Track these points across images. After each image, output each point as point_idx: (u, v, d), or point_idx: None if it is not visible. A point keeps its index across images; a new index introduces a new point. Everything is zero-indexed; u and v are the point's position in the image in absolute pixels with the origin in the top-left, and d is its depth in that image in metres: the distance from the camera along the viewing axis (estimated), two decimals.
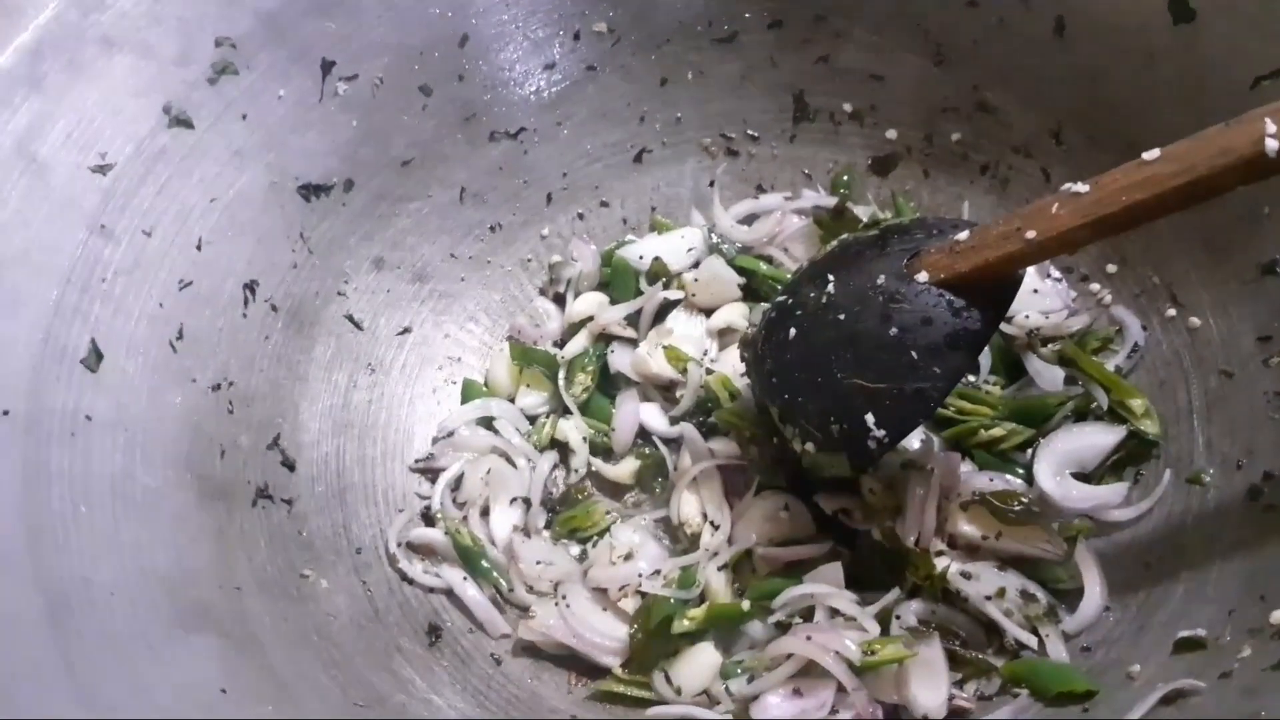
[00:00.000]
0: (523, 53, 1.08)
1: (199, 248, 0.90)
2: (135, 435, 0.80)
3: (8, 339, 0.75)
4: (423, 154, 1.05)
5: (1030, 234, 0.72)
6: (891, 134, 1.10)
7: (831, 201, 1.09)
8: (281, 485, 0.89)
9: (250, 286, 0.93)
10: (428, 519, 0.97)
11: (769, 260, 1.09)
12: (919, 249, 0.79)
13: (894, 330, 0.76)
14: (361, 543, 0.91)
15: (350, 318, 1.01)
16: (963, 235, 0.77)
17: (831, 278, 0.82)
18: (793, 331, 0.83)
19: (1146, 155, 0.66)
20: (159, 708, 0.64)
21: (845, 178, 1.12)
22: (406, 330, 1.05)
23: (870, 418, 0.78)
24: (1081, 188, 0.70)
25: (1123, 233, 0.71)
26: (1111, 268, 1.01)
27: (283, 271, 0.96)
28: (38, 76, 0.81)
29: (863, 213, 1.08)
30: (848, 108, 1.11)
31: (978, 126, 1.06)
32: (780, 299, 0.88)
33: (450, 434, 1.01)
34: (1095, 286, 1.02)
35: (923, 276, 0.76)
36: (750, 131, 1.14)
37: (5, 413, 0.72)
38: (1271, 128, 0.61)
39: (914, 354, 0.76)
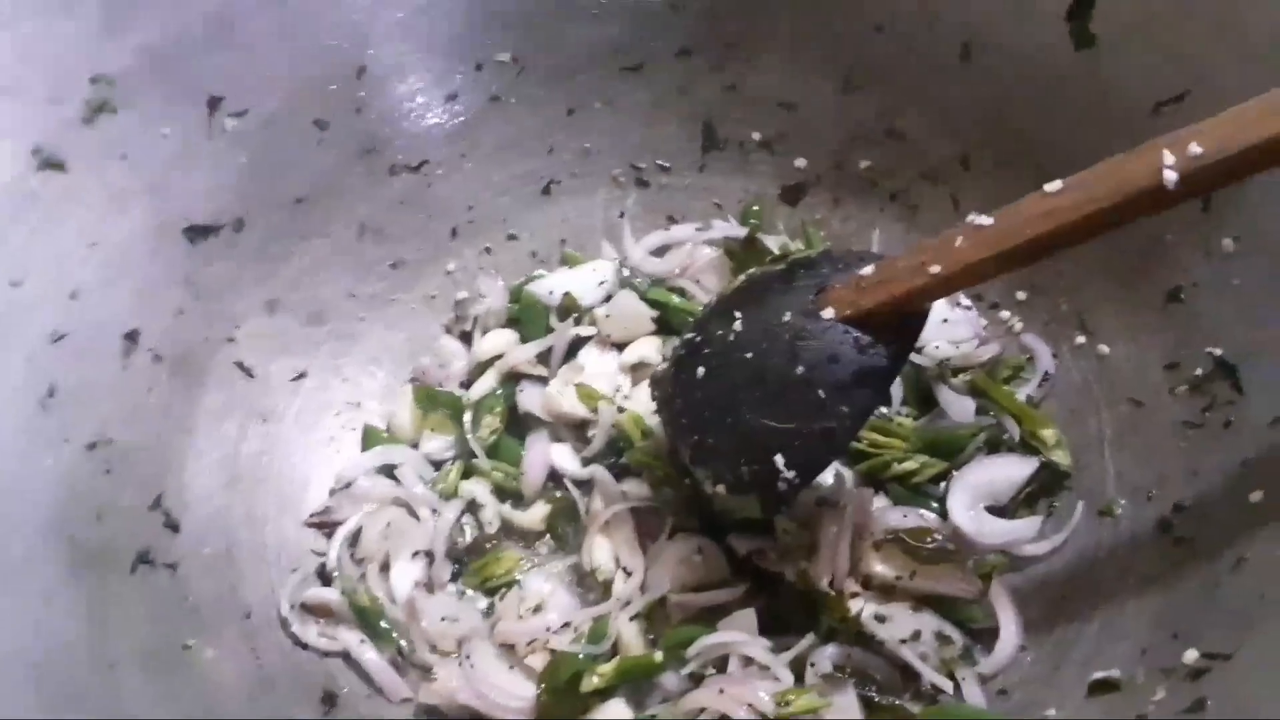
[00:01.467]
0: (424, 83, 1.05)
1: (74, 297, 0.85)
2: (1, 500, 0.75)
3: None
4: (319, 190, 1.01)
5: (935, 268, 0.70)
6: (801, 163, 1.09)
7: (742, 232, 1.07)
8: (165, 548, 0.84)
9: (131, 336, 0.88)
10: (324, 577, 0.92)
11: (681, 293, 1.07)
12: (825, 284, 0.77)
13: (801, 368, 0.74)
14: (251, 606, 0.86)
15: (241, 364, 0.96)
16: (868, 270, 0.75)
17: (739, 314, 0.81)
18: (701, 370, 0.81)
19: (1048, 187, 0.66)
20: None
21: (755, 207, 1.11)
22: (302, 375, 1.01)
23: (780, 459, 0.76)
24: (985, 220, 0.69)
25: (1028, 265, 0.69)
26: (1021, 294, 1.00)
27: (167, 319, 0.91)
28: None
29: (773, 243, 1.06)
30: (757, 136, 1.09)
31: (887, 153, 1.05)
32: (688, 336, 0.86)
33: (348, 485, 0.97)
34: (1005, 314, 1.01)
35: (829, 313, 0.75)
36: (660, 161, 1.12)
37: None
38: (1169, 159, 0.60)
39: (821, 392, 0.74)
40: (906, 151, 1.04)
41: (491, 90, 1.07)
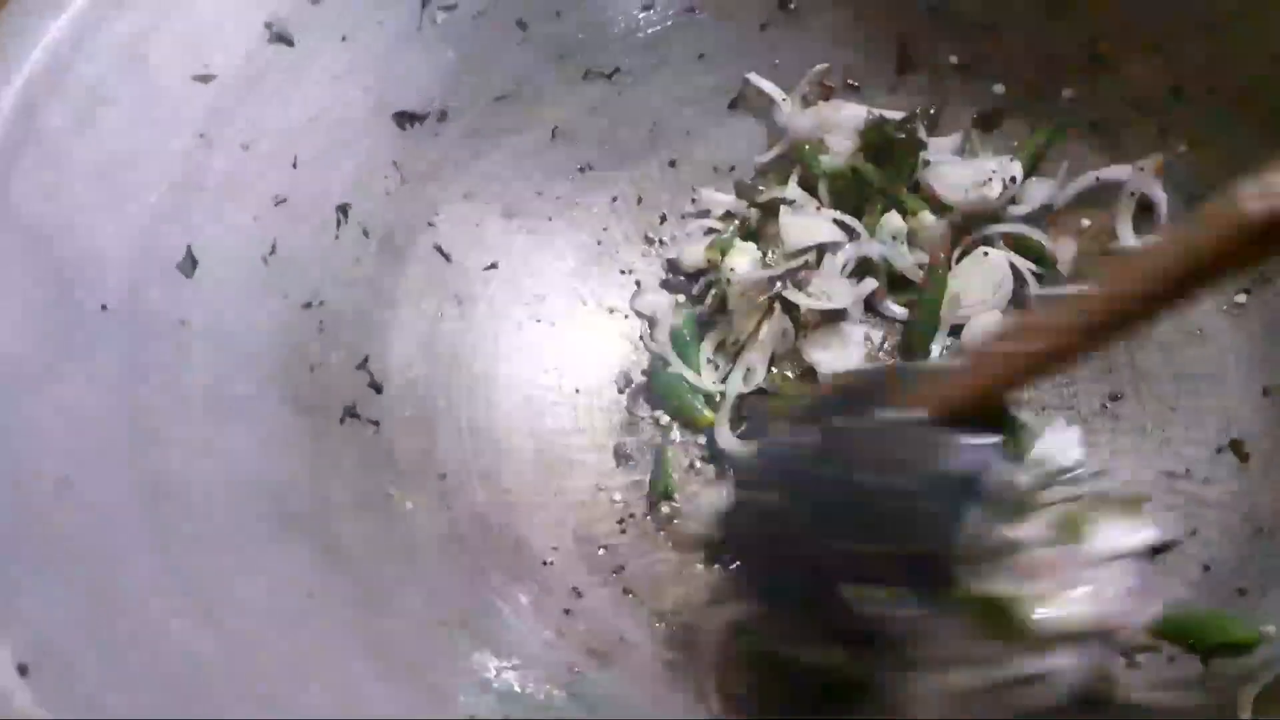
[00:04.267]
0: None
1: (295, 166, 0.89)
2: (228, 344, 0.79)
3: (109, 238, 0.75)
4: (517, 90, 1.04)
5: (1032, 346, 0.61)
6: (999, 88, 1.07)
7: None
8: (369, 406, 0.88)
9: (343, 209, 0.92)
10: None
11: None
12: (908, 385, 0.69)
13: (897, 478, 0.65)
14: (446, 468, 0.90)
15: (439, 248, 0.99)
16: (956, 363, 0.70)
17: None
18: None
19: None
20: (251, 602, 0.63)
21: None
22: (493, 265, 1.03)
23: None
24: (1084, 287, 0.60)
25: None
26: None
27: (376, 197, 0.95)
28: None
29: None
30: (954, 59, 1.07)
31: (1091, 80, 1.02)
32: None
33: None
34: None
35: (918, 412, 0.65)
36: (850, 80, 1.11)
37: (104, 308, 0.72)
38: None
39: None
40: (1112, 79, 1.01)
41: (686, 1, 1.08)
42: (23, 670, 0.47)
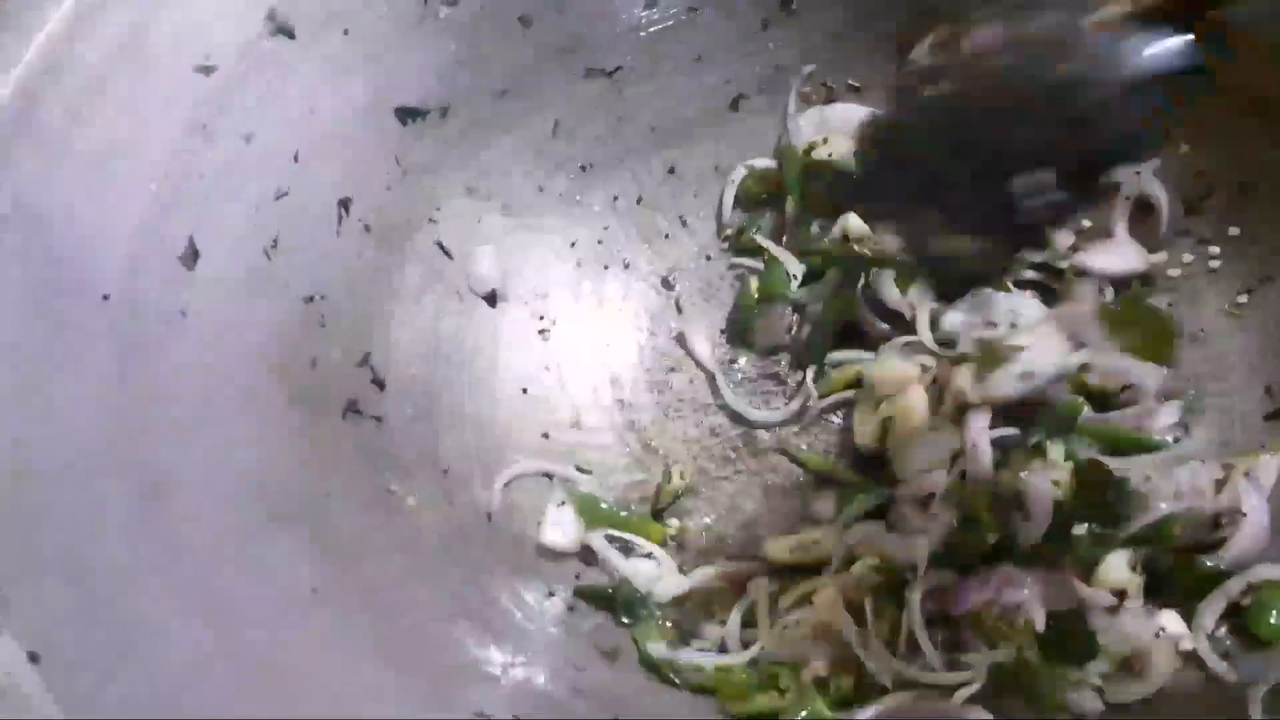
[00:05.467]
0: None
1: (296, 159, 0.88)
2: (229, 338, 0.78)
3: (109, 227, 0.74)
4: (519, 85, 1.03)
5: None
6: None
7: None
8: (371, 402, 0.87)
9: (344, 204, 0.91)
10: None
11: None
12: None
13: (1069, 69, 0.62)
14: (449, 464, 0.89)
15: (440, 244, 0.99)
16: None
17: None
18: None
19: None
20: (252, 598, 0.62)
21: None
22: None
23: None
24: None
25: None
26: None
27: (376, 192, 0.94)
28: None
29: None
30: None
31: None
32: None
33: None
34: None
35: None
36: (852, 81, 1.11)
37: (106, 297, 0.71)
38: None
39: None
40: None
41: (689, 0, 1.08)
42: (34, 658, 0.46)
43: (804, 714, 0.73)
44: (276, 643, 0.61)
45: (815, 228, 1.05)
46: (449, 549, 0.82)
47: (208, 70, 0.82)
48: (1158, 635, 0.75)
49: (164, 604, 0.58)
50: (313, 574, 0.69)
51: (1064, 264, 0.99)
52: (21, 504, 0.58)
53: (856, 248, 1.01)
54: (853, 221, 1.02)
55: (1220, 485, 0.82)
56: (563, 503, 0.89)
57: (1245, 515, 0.79)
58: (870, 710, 0.73)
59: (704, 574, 0.84)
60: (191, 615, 0.59)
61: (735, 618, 0.81)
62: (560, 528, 0.87)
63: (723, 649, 0.80)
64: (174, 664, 0.56)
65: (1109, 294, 0.98)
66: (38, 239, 0.70)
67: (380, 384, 0.89)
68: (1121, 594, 0.77)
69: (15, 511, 0.57)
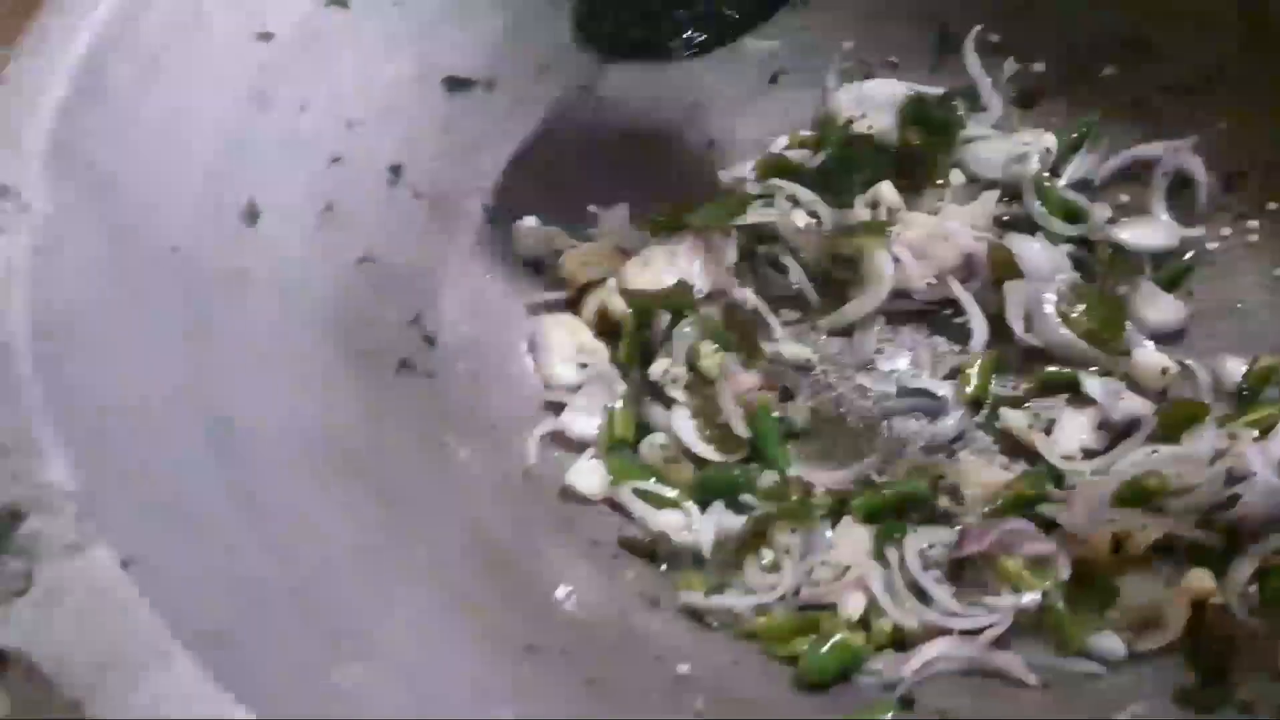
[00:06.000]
0: None
1: (349, 127, 0.90)
2: (288, 294, 0.80)
3: (176, 186, 0.76)
4: (562, 60, 1.05)
5: None
6: (1039, 66, 1.08)
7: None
8: (423, 359, 0.89)
9: (396, 170, 0.94)
10: None
11: None
12: None
13: None
14: (497, 422, 0.91)
15: (486, 208, 1.01)
16: None
17: None
18: None
19: None
20: (312, 534, 0.64)
21: None
22: None
23: None
24: None
25: None
26: None
27: (426, 160, 0.96)
28: None
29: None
30: (995, 38, 1.09)
31: (1132, 61, 1.03)
32: None
33: None
34: None
35: None
36: (890, 59, 1.12)
37: (174, 250, 0.73)
38: None
39: None
40: (1153, 59, 1.02)
41: None
42: (125, 564, 0.49)
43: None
44: (342, 576, 0.63)
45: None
46: (498, 502, 0.84)
47: (266, 37, 0.85)
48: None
49: (239, 536, 0.60)
50: (373, 521, 0.71)
51: (1099, 237, 1.00)
52: (108, 429, 0.60)
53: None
54: (885, 191, 1.04)
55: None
56: (594, 455, 0.91)
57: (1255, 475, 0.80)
58: (914, 659, 0.74)
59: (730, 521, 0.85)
60: (264, 548, 0.61)
61: (754, 567, 0.83)
62: (586, 475, 0.89)
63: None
64: (248, 587, 0.59)
65: (1147, 270, 0.99)
66: (108, 197, 0.73)
67: (431, 341, 0.91)
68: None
69: (104, 435, 0.59)
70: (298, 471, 0.69)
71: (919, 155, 1.06)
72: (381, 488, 0.74)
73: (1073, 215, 1.01)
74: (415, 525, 0.73)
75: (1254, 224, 0.98)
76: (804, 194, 1.04)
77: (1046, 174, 1.04)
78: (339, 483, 0.72)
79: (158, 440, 0.61)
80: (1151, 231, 1.01)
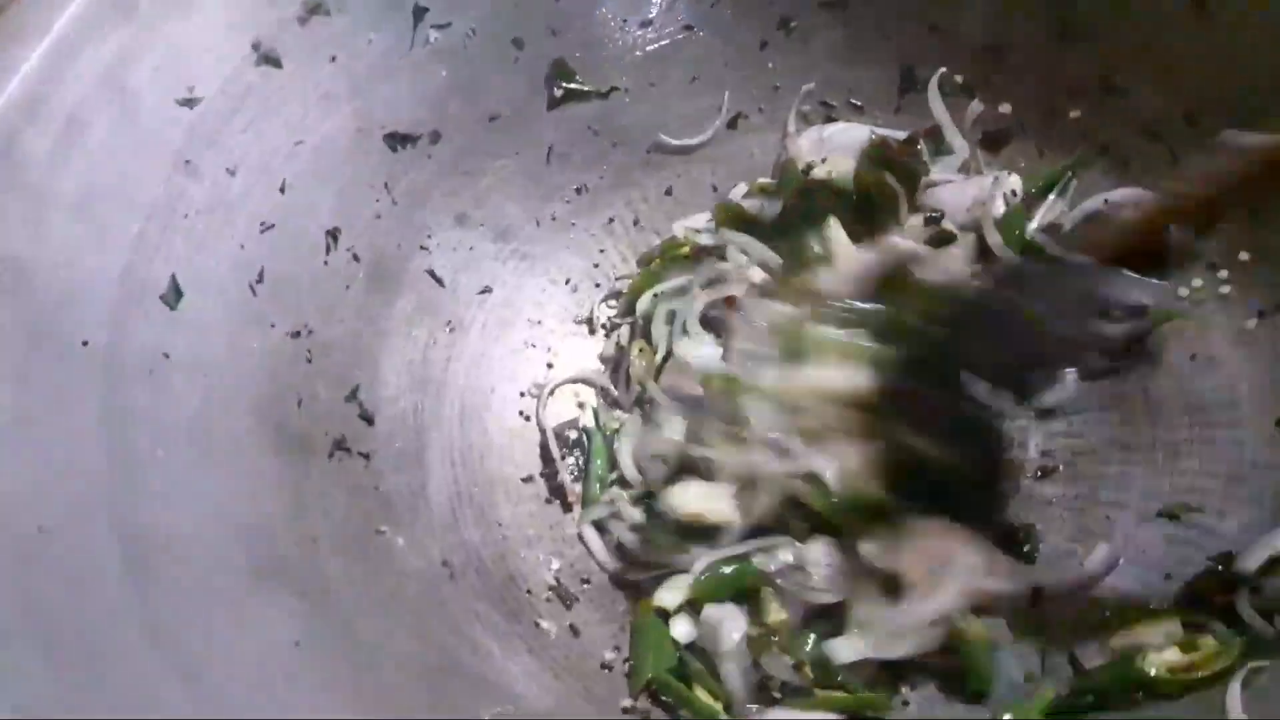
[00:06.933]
0: (619, 7, 1.04)
1: (282, 190, 0.87)
2: (213, 378, 0.77)
3: (90, 271, 0.72)
4: (512, 110, 1.01)
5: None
6: (1005, 108, 1.04)
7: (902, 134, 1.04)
8: (359, 438, 0.86)
9: (333, 234, 0.90)
10: None
11: None
12: None
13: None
14: (438, 502, 0.88)
15: (432, 273, 0.97)
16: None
17: None
18: None
19: None
20: (237, 659, 0.60)
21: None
22: (487, 290, 1.01)
23: None
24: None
25: None
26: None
27: (365, 221, 0.93)
28: (129, 5, 0.78)
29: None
30: (959, 79, 1.05)
31: (1101, 105, 0.99)
32: None
33: None
34: None
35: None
36: (853, 100, 1.08)
37: (85, 344, 0.69)
38: None
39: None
40: (1124, 104, 0.98)
41: (686, 19, 1.05)
42: None
43: None
44: (261, 708, 0.59)
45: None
46: (437, 593, 0.80)
47: (191, 103, 0.81)
48: None
49: (147, 671, 0.57)
50: (298, 628, 0.67)
51: None
52: (5, 565, 0.57)
53: None
54: (833, 231, 1.00)
55: None
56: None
57: None
58: None
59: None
60: (176, 682, 0.57)
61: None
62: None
63: None
64: None
65: None
66: (19, 287, 0.69)
67: (369, 419, 0.87)
68: None
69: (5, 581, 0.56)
70: (223, 590, 0.65)
71: (877, 200, 1.03)
72: (312, 592, 0.70)
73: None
74: (348, 634, 0.70)
75: (1225, 274, 0.95)
76: (756, 248, 1.00)
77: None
78: (267, 595, 0.68)
79: (62, 565, 0.57)
80: None
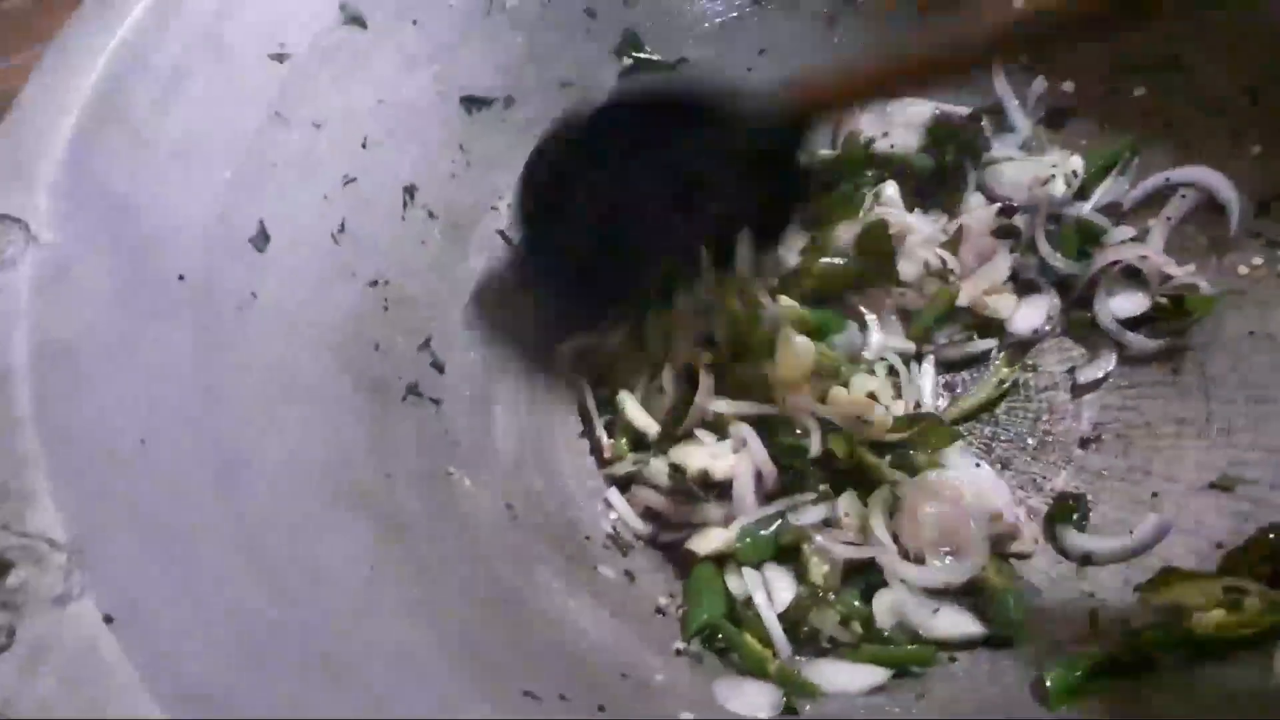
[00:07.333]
0: None
1: (364, 146, 0.90)
2: (297, 318, 0.80)
3: (187, 211, 0.76)
4: (582, 78, 1.04)
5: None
6: (1068, 86, 1.05)
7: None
8: (431, 385, 0.89)
9: (410, 190, 0.94)
10: None
11: None
12: None
13: None
14: (504, 449, 0.91)
15: (502, 233, 1.00)
16: None
17: None
18: None
19: None
20: (317, 573, 0.64)
21: None
22: None
23: None
24: None
25: None
26: None
27: (441, 180, 0.96)
28: None
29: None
30: (1023, 57, 1.06)
31: (1164, 82, 1.00)
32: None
33: None
34: None
35: None
36: None
37: (181, 277, 0.73)
38: None
39: None
40: (1186, 81, 0.99)
41: None
42: (108, 620, 0.48)
43: None
44: (339, 617, 0.63)
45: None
46: (501, 533, 0.83)
47: (282, 58, 0.85)
48: None
49: (237, 574, 0.60)
50: (371, 553, 0.70)
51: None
52: (108, 472, 0.60)
53: None
54: (890, 191, 1.03)
55: None
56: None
57: None
58: None
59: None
60: (261, 587, 0.60)
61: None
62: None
63: None
64: (245, 631, 0.58)
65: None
66: (122, 222, 0.73)
67: (440, 368, 0.91)
68: None
69: (104, 479, 0.59)
70: (304, 510, 0.69)
71: (939, 176, 1.04)
72: (386, 522, 0.74)
73: (1092, 236, 1.01)
74: (418, 562, 0.73)
75: None
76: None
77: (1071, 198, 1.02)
78: (345, 519, 0.71)
79: (161, 483, 0.61)
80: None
